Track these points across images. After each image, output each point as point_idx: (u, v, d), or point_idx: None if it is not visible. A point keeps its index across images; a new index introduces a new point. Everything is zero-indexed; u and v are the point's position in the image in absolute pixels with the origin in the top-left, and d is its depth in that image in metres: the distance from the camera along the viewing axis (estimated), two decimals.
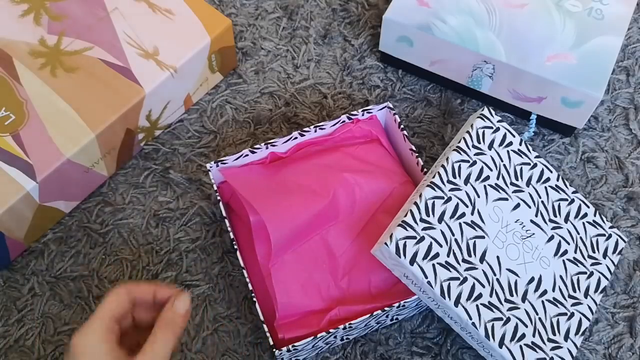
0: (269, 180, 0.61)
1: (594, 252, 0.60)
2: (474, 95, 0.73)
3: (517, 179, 0.60)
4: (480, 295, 0.54)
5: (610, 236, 0.61)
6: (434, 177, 0.57)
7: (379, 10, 0.79)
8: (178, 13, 0.69)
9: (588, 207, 0.62)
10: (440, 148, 0.71)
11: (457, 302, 0.53)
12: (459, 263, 0.54)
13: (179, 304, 0.48)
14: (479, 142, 0.60)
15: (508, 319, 0.54)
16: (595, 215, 0.62)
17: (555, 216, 0.60)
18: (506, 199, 0.59)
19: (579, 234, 0.60)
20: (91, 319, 0.46)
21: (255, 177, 0.61)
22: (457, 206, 0.56)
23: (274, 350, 0.54)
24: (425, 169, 0.62)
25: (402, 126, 0.64)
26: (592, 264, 0.59)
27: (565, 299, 0.57)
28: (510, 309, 0.54)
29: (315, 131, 0.63)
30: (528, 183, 0.60)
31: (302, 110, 0.72)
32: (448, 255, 0.54)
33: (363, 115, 0.65)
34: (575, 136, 0.72)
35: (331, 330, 0.53)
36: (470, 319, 0.53)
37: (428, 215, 0.55)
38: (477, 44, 0.67)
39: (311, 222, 0.59)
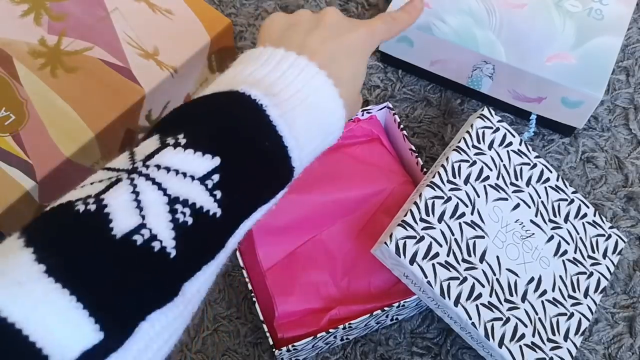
0: None
1: (593, 252, 0.60)
2: (474, 95, 0.73)
3: (517, 179, 0.60)
4: (480, 295, 0.54)
5: (610, 236, 0.61)
6: (433, 177, 0.57)
7: (379, 10, 0.79)
8: (178, 13, 0.69)
9: (588, 207, 0.62)
10: (440, 148, 0.71)
11: (456, 301, 0.53)
12: (458, 263, 0.54)
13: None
14: (479, 142, 0.60)
15: (508, 319, 0.54)
16: (595, 216, 0.62)
17: (555, 216, 0.60)
18: (506, 199, 0.59)
19: (578, 234, 0.60)
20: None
21: None
22: (457, 206, 0.57)
23: (274, 350, 0.54)
24: (425, 169, 0.62)
25: (401, 126, 0.64)
26: (592, 264, 0.59)
27: (565, 299, 0.57)
28: (510, 309, 0.54)
29: None
30: (528, 183, 0.60)
31: None
32: (448, 255, 0.54)
33: (363, 115, 0.65)
34: (575, 136, 0.72)
35: (331, 330, 0.53)
36: (470, 318, 0.53)
37: (428, 215, 0.55)
38: (477, 44, 0.67)
39: (310, 222, 0.59)
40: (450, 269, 0.54)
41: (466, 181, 0.58)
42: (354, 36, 0.45)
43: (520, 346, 0.54)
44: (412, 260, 0.53)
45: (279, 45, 0.43)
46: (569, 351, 0.55)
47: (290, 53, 0.42)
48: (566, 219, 0.60)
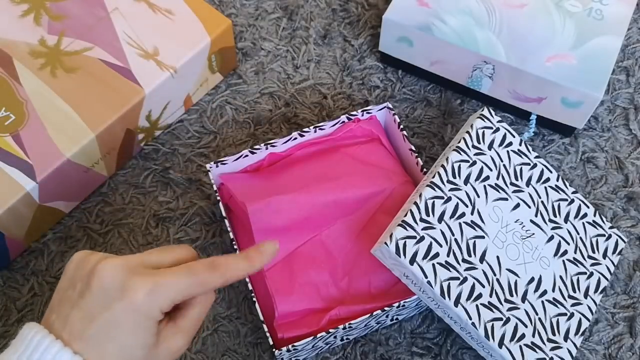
0: (268, 182, 0.61)
1: (593, 252, 0.60)
2: (474, 96, 0.73)
3: (517, 179, 0.60)
4: (480, 295, 0.54)
5: (610, 236, 0.61)
6: (433, 177, 0.57)
7: (378, 10, 0.79)
8: (178, 13, 0.69)
9: (588, 207, 0.62)
10: (440, 148, 0.71)
11: (457, 302, 0.53)
12: (458, 263, 0.54)
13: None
14: (479, 142, 0.60)
15: (508, 319, 0.54)
16: (595, 216, 0.62)
17: (555, 216, 0.60)
18: (506, 199, 0.59)
19: (578, 234, 0.60)
20: (178, 274, 0.40)
21: (254, 182, 0.61)
22: (457, 206, 0.57)
23: (274, 350, 0.54)
24: (425, 169, 0.62)
25: (401, 126, 0.64)
26: (592, 264, 0.59)
27: (565, 299, 0.57)
28: (510, 309, 0.54)
29: (315, 132, 0.63)
30: (528, 183, 0.60)
31: (302, 111, 0.72)
32: (448, 255, 0.54)
33: (362, 115, 0.65)
34: (575, 136, 0.72)
35: (331, 330, 0.53)
36: (470, 319, 0.53)
37: (428, 215, 0.55)
38: (477, 44, 0.67)
39: (310, 222, 0.59)
40: (450, 269, 0.54)
41: (466, 181, 0.58)
42: (124, 304, 0.39)
43: (520, 346, 0.54)
44: (412, 260, 0.53)
45: (48, 318, 0.41)
46: (569, 351, 0.55)
47: (45, 341, 0.39)
48: (566, 219, 0.60)
